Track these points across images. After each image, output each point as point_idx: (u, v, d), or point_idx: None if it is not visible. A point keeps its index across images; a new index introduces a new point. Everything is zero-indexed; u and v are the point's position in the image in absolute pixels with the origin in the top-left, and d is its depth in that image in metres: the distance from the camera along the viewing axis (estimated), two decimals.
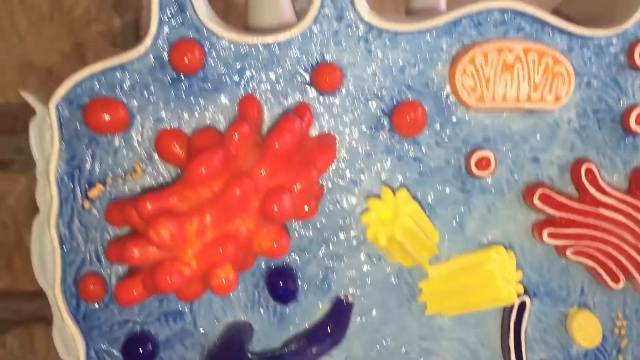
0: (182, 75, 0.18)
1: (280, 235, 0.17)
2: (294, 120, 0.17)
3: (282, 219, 0.17)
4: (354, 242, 0.20)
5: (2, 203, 0.41)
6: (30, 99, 0.19)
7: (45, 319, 0.43)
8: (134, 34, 0.41)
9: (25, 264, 0.41)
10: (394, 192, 0.19)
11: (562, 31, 0.19)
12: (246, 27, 0.21)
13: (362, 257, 0.20)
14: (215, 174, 0.17)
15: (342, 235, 0.19)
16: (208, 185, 0.17)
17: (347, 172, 0.19)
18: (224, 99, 0.19)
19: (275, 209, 0.16)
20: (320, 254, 0.19)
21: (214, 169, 0.17)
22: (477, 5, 0.19)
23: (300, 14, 0.22)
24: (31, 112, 0.49)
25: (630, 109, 0.19)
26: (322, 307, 0.19)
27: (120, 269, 0.19)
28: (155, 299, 0.19)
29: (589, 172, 0.19)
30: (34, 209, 0.49)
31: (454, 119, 0.19)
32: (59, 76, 0.40)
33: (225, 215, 0.17)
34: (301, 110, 0.18)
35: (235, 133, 0.17)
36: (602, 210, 0.19)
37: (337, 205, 0.19)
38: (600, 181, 0.19)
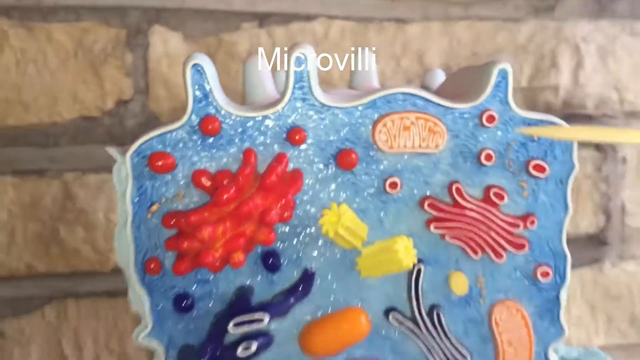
0: (207, 137, 0.30)
1: (270, 233, 0.29)
2: (277, 166, 0.29)
3: (272, 224, 0.28)
4: (315, 234, 0.31)
5: (40, 203, 0.51)
6: (113, 152, 0.30)
7: (77, 294, 0.54)
8: (144, 66, 0.52)
9: (59, 251, 0.51)
10: (338, 205, 0.31)
11: (439, 105, 0.31)
12: (242, 102, 0.32)
13: (320, 243, 0.31)
14: (231, 199, 0.28)
15: (307, 230, 0.31)
16: (227, 205, 0.28)
17: (310, 192, 0.31)
18: (233, 151, 0.30)
19: (267, 220, 0.28)
20: (294, 242, 0.31)
21: (231, 195, 0.28)
22: (388, 90, 0.30)
23: (279, 90, 0.33)
24: (59, 128, 0.60)
25: (481, 150, 0.31)
26: (296, 275, 0.31)
27: (171, 254, 0.31)
28: (193, 272, 0.31)
29: (457, 189, 0.31)
30: (64, 208, 0.60)
31: (375, 159, 0.31)
32: (81, 100, 0.50)
33: (238, 222, 0.28)
34: (281, 157, 0.30)
35: (242, 174, 0.29)
36: (467, 212, 0.32)
37: (304, 212, 0.31)
38: (465, 195, 0.32)
